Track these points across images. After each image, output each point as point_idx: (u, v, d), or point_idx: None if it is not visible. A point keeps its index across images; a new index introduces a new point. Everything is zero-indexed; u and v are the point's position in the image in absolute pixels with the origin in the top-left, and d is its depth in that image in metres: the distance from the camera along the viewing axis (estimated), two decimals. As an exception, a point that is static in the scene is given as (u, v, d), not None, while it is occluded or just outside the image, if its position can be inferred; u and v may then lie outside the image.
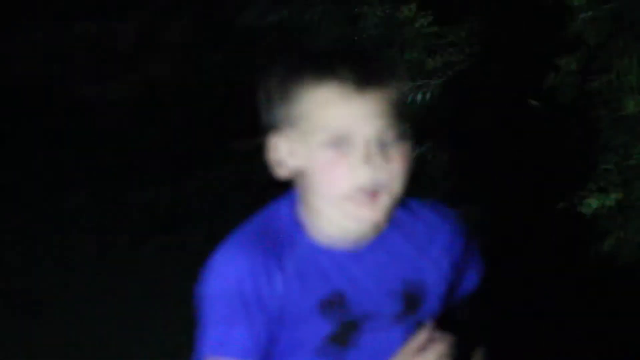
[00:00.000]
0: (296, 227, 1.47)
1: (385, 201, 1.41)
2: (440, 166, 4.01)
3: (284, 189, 1.51)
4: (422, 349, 1.47)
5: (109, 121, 5.86)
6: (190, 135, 5.46)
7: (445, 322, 1.55)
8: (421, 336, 1.48)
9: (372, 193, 1.40)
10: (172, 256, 4.54)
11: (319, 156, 1.40)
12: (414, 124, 1.45)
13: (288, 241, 1.46)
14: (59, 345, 3.82)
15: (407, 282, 1.51)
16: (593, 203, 3.03)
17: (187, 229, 4.76)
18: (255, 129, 1.50)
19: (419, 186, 1.52)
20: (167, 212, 4.94)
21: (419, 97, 3.55)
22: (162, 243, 4.69)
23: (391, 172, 1.40)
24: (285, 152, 1.44)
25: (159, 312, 4.08)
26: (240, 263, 1.44)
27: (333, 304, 1.46)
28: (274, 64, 1.44)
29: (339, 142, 1.39)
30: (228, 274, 1.45)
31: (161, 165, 5.28)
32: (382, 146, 1.40)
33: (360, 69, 1.40)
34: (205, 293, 1.47)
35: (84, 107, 6.03)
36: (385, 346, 1.49)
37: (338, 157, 1.39)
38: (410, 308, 1.50)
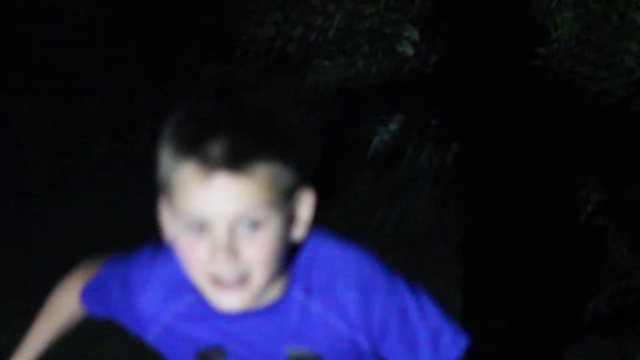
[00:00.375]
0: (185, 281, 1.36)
1: (246, 292, 1.29)
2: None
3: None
4: None
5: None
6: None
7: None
8: None
9: (230, 285, 1.28)
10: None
11: (180, 237, 1.30)
12: (284, 199, 1.28)
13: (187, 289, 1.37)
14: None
15: (299, 351, 1.41)
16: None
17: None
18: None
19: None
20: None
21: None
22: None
23: (250, 261, 1.27)
24: (166, 219, 1.34)
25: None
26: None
27: (211, 354, 1.42)
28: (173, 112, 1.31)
29: (198, 227, 1.27)
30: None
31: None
32: (246, 229, 1.26)
33: (227, 143, 1.23)
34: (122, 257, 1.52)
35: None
36: None
37: (196, 243, 1.27)
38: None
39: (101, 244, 4.26)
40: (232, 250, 1.26)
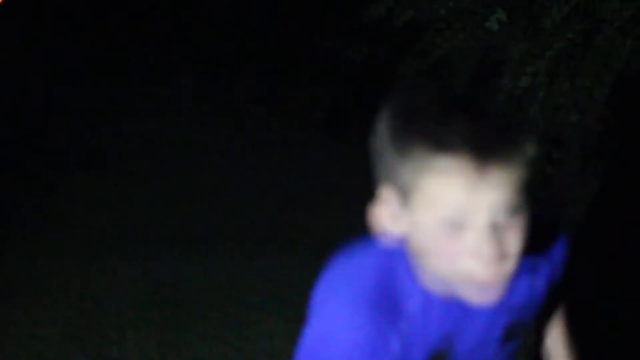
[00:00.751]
0: (411, 281, 1.34)
1: (499, 286, 1.26)
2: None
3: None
4: None
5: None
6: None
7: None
8: None
9: (492, 270, 1.25)
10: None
11: (428, 233, 1.25)
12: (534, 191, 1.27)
13: (403, 296, 1.33)
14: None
15: (510, 326, 1.44)
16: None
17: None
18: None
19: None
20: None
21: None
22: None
23: (509, 251, 1.25)
24: (396, 207, 1.28)
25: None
26: (362, 335, 1.30)
27: (440, 357, 1.38)
28: (389, 106, 1.28)
29: (452, 225, 1.23)
30: (349, 344, 1.31)
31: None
32: (505, 217, 1.24)
33: (482, 142, 1.21)
34: (317, 353, 1.32)
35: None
36: None
37: (450, 239, 1.24)
38: (504, 347, 1.45)
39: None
40: (500, 251, 1.23)
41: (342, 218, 4.57)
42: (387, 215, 1.30)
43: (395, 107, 1.26)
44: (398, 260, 1.34)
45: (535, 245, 1.35)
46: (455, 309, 1.35)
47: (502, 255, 1.23)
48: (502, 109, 1.27)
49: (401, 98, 1.27)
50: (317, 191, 5.36)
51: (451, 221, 1.23)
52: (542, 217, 1.43)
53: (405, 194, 1.25)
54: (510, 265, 1.25)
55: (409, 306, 1.33)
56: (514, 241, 1.24)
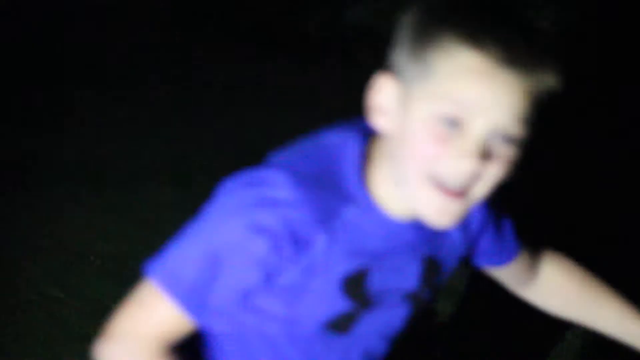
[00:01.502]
0: (358, 181, 1.26)
1: (463, 205, 1.22)
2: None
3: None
4: None
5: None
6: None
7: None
8: None
9: (454, 192, 1.20)
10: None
11: (424, 126, 1.19)
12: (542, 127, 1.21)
13: (344, 195, 1.25)
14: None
15: (431, 260, 1.39)
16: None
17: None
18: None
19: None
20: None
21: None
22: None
23: (488, 174, 1.20)
24: (391, 100, 1.23)
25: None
26: (269, 223, 1.20)
27: (357, 279, 1.30)
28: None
29: (452, 122, 1.17)
30: (267, 216, 1.20)
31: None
32: (496, 142, 1.19)
33: (513, 46, 1.15)
34: (214, 214, 1.24)
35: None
36: (382, 325, 1.40)
37: (444, 137, 1.18)
38: (421, 289, 1.39)
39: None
40: (485, 157, 1.18)
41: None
42: (377, 107, 1.24)
43: (426, 1, 1.21)
44: (349, 157, 1.26)
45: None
46: (388, 226, 1.29)
47: (478, 176, 1.19)
48: (547, 22, 1.17)
49: None
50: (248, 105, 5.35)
51: (450, 118, 1.17)
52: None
53: (410, 85, 1.20)
54: (480, 191, 1.21)
55: (346, 213, 1.25)
56: (494, 171, 1.20)
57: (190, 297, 1.24)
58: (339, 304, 1.30)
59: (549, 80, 1.18)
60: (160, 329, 1.26)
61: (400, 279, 1.35)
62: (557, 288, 1.62)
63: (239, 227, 1.20)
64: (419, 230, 1.31)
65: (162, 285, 1.24)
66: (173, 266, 1.25)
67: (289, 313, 1.29)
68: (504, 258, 1.54)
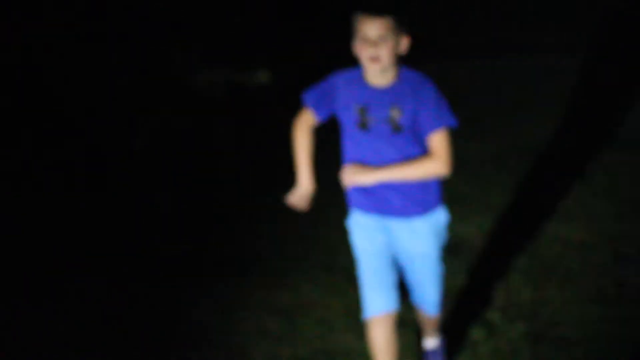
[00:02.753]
0: (360, 76, 3.21)
1: (379, 64, 3.09)
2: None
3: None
4: None
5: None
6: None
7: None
8: None
9: (374, 59, 3.08)
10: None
11: (358, 45, 3.11)
12: (398, 33, 3.06)
13: (356, 80, 3.21)
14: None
15: (394, 105, 3.16)
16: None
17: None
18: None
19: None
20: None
21: None
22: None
23: (382, 51, 3.07)
24: (355, 42, 3.14)
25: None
26: (335, 78, 3.25)
27: (361, 107, 3.18)
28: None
29: (365, 39, 3.09)
30: (331, 77, 3.27)
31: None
32: (380, 40, 3.07)
33: (370, 9, 3.07)
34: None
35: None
36: (382, 130, 3.17)
37: (363, 45, 3.09)
38: (394, 117, 3.14)
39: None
40: (376, 45, 3.07)
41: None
42: (354, 47, 3.15)
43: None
44: (359, 70, 3.22)
45: (411, 82, 3.17)
46: (372, 90, 3.19)
47: (378, 53, 3.07)
48: None
49: None
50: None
51: (362, 39, 3.09)
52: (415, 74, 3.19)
53: (356, 34, 3.12)
54: (383, 59, 3.08)
55: (357, 84, 3.21)
56: (385, 50, 3.07)
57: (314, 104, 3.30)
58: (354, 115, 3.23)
59: (391, 18, 3.09)
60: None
61: (381, 112, 3.17)
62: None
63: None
64: (386, 91, 3.16)
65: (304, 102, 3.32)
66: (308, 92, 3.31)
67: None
68: (426, 129, 3.17)
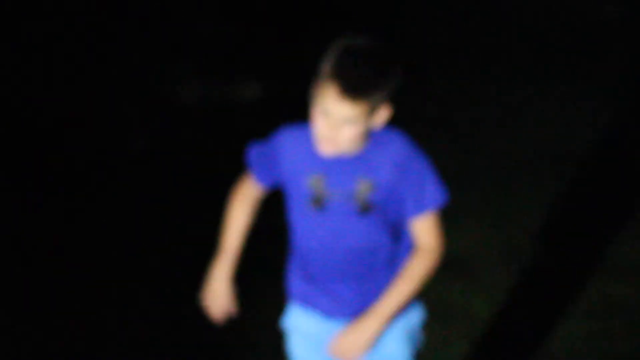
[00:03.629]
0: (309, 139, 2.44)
1: (334, 148, 2.35)
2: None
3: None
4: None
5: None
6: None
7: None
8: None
9: (328, 140, 2.34)
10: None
11: (316, 114, 2.34)
12: (375, 110, 2.33)
13: (310, 141, 2.42)
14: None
15: (363, 177, 2.41)
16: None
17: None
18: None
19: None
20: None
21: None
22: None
23: (343, 135, 2.32)
24: (314, 102, 2.37)
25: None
26: (281, 138, 2.49)
27: (317, 179, 2.42)
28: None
29: (326, 114, 2.31)
30: (276, 136, 2.50)
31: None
32: (345, 123, 2.30)
33: (346, 84, 2.27)
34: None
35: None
36: (345, 210, 2.43)
37: (321, 120, 2.32)
38: (362, 193, 2.40)
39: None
40: (336, 131, 2.31)
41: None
42: (313, 103, 2.37)
43: (337, 46, 2.33)
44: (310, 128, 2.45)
45: (385, 149, 2.41)
46: (327, 158, 2.41)
47: (336, 137, 2.33)
48: (378, 56, 2.32)
49: (341, 44, 2.33)
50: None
51: (323, 112, 2.32)
52: (386, 132, 2.43)
53: (317, 90, 2.34)
54: (342, 146, 2.35)
55: (312, 147, 2.43)
56: (347, 134, 2.32)
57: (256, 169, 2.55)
58: (306, 191, 2.46)
59: (369, 101, 2.30)
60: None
61: (345, 185, 2.41)
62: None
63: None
64: (352, 160, 2.41)
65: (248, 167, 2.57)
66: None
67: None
68: (409, 212, 2.43)
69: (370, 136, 2.38)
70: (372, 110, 2.29)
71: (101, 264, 4.35)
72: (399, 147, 2.40)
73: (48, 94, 5.64)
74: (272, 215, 4.52)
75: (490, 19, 6.82)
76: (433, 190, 2.41)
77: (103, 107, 5.62)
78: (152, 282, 4.21)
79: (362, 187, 2.38)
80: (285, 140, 2.46)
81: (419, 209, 2.40)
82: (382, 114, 2.33)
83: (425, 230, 2.42)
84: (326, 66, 2.27)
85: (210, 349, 3.69)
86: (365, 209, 2.39)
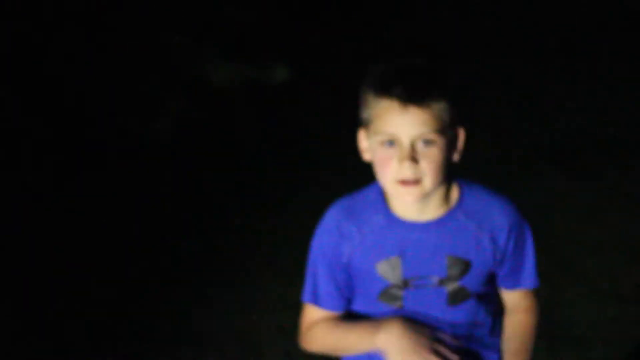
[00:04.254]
0: (381, 201, 1.95)
1: (419, 189, 1.84)
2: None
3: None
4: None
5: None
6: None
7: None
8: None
9: (409, 182, 1.83)
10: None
11: (376, 153, 1.87)
12: (448, 129, 1.88)
13: (372, 211, 1.95)
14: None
15: (456, 257, 1.91)
16: None
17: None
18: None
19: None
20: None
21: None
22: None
23: (424, 168, 1.83)
24: (365, 144, 1.92)
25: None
26: (327, 227, 1.98)
27: (391, 264, 1.92)
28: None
29: (390, 143, 1.84)
30: (318, 236, 2.00)
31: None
32: (422, 146, 1.82)
33: (406, 89, 1.82)
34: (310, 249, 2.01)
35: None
36: (428, 303, 1.93)
37: (388, 155, 1.84)
38: (452, 278, 1.92)
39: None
40: (413, 159, 1.81)
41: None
42: (363, 149, 1.93)
43: (374, 68, 1.90)
44: (375, 190, 1.96)
45: (481, 209, 1.94)
46: (408, 227, 1.92)
47: (417, 167, 1.83)
48: (431, 67, 1.87)
49: (379, 64, 1.90)
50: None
51: (385, 142, 1.84)
52: (490, 192, 1.98)
53: (368, 130, 1.89)
54: (426, 181, 1.84)
55: (375, 218, 1.95)
56: (428, 163, 1.83)
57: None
58: (378, 282, 1.94)
59: (439, 105, 1.84)
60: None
61: (429, 267, 1.90)
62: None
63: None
64: (434, 229, 1.92)
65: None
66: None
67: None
68: (513, 283, 2.02)
69: (453, 192, 1.94)
70: (443, 128, 1.83)
71: (114, 248, 4.39)
72: (505, 209, 1.96)
73: (79, 71, 5.65)
74: (272, 215, 4.63)
75: (490, 19, 6.84)
76: (532, 266, 2.02)
77: (130, 85, 5.63)
78: (161, 277, 4.22)
79: (452, 270, 1.90)
80: (339, 222, 1.96)
81: (534, 283, 2.05)
82: (461, 138, 1.90)
83: (531, 298, 2.07)
84: (370, 90, 1.86)
85: (212, 350, 3.67)
86: (459, 299, 1.95)
